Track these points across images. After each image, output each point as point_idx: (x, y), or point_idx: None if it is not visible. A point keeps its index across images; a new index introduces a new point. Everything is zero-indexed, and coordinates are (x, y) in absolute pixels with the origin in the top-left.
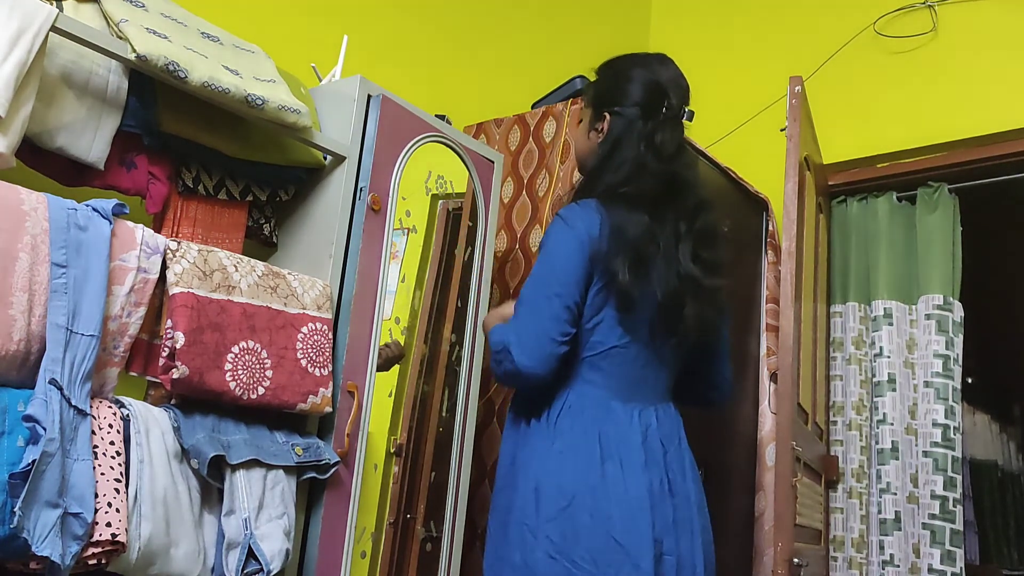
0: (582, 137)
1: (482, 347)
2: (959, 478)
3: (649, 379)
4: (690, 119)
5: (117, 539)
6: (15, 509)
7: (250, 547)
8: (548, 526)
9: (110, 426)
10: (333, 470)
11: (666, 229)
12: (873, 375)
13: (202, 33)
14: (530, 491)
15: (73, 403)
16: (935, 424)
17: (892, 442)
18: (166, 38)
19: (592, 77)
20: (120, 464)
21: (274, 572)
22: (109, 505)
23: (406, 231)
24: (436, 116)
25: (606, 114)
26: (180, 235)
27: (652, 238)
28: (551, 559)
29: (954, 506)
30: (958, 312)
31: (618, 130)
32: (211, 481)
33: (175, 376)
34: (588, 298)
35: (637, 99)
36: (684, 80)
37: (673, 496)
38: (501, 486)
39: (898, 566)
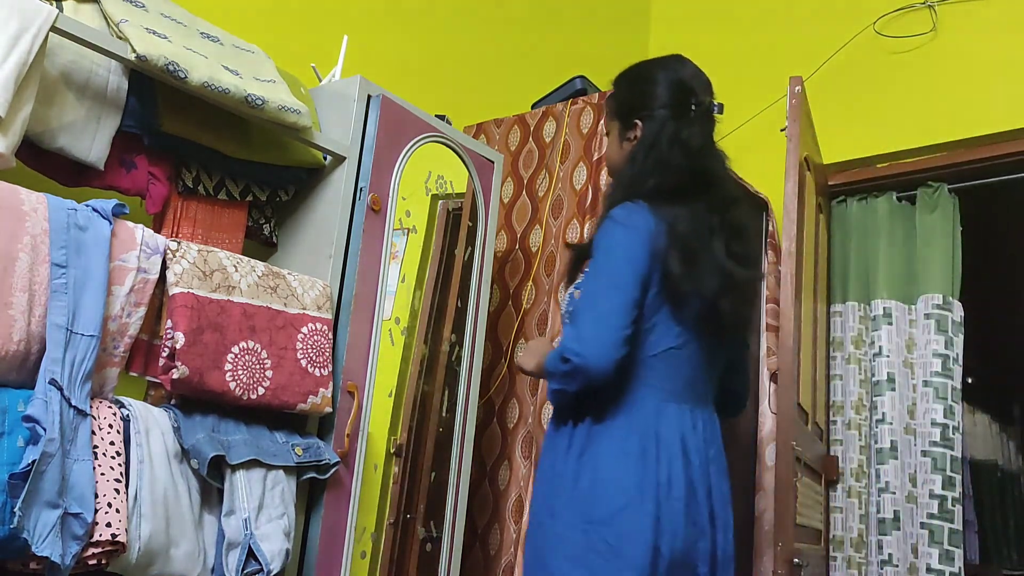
0: (615, 148)
1: (482, 347)
2: (958, 477)
3: (700, 381)
4: (720, 112)
5: (117, 539)
6: (15, 509)
7: (250, 547)
8: (603, 528)
9: (110, 426)
10: (333, 470)
11: (703, 224)
12: (872, 375)
13: (202, 33)
14: (583, 492)
15: (73, 403)
16: (934, 423)
17: (891, 441)
18: (166, 38)
19: (592, 77)
20: (120, 464)
21: (274, 572)
22: (109, 505)
23: (406, 231)
24: (436, 116)
25: (636, 121)
26: (180, 235)
27: (697, 233)
28: (605, 560)
29: (952, 505)
30: (958, 312)
31: (652, 133)
32: (211, 481)
33: (175, 376)
34: (648, 298)
35: (665, 100)
36: (705, 75)
37: (710, 497)
38: (545, 487)
39: (896, 566)
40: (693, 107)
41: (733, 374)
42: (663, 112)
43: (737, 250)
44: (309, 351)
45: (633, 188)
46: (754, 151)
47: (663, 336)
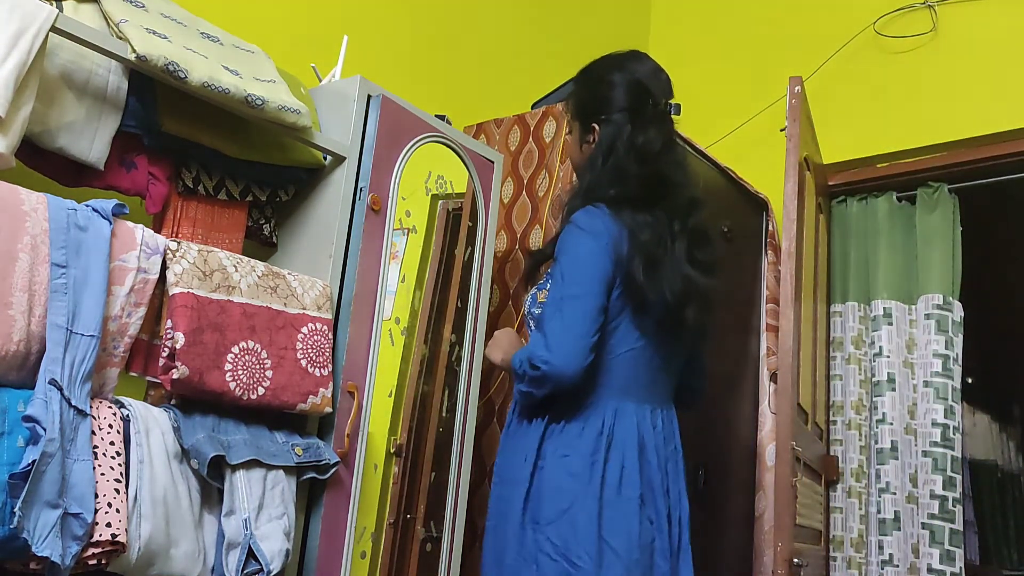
0: (575, 150)
1: (482, 347)
2: (958, 478)
3: (659, 381)
4: (677, 113)
5: (117, 539)
6: (15, 509)
7: (250, 547)
8: (549, 528)
9: (110, 426)
10: (333, 470)
11: (664, 230)
12: (873, 375)
13: (202, 33)
14: (533, 493)
15: (73, 403)
16: (934, 424)
17: (891, 442)
18: (166, 38)
19: None
20: (120, 464)
21: (274, 572)
22: (109, 505)
23: (406, 231)
24: (436, 116)
25: (594, 125)
26: (180, 235)
27: (660, 240)
28: (552, 560)
29: (953, 506)
30: (958, 312)
31: (609, 139)
32: (211, 481)
33: (175, 376)
34: (611, 301)
35: (621, 104)
36: (664, 73)
37: (668, 495)
38: (501, 488)
39: (897, 566)
40: (650, 108)
41: (691, 371)
42: (619, 116)
43: (699, 257)
44: (309, 351)
45: (593, 193)
46: (754, 151)
47: (624, 338)
